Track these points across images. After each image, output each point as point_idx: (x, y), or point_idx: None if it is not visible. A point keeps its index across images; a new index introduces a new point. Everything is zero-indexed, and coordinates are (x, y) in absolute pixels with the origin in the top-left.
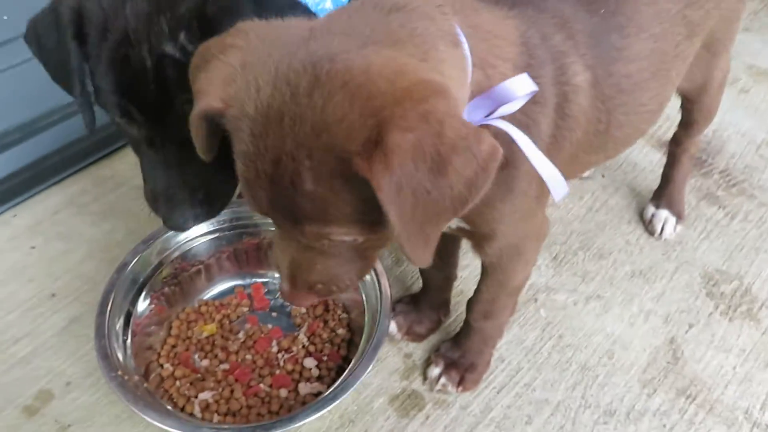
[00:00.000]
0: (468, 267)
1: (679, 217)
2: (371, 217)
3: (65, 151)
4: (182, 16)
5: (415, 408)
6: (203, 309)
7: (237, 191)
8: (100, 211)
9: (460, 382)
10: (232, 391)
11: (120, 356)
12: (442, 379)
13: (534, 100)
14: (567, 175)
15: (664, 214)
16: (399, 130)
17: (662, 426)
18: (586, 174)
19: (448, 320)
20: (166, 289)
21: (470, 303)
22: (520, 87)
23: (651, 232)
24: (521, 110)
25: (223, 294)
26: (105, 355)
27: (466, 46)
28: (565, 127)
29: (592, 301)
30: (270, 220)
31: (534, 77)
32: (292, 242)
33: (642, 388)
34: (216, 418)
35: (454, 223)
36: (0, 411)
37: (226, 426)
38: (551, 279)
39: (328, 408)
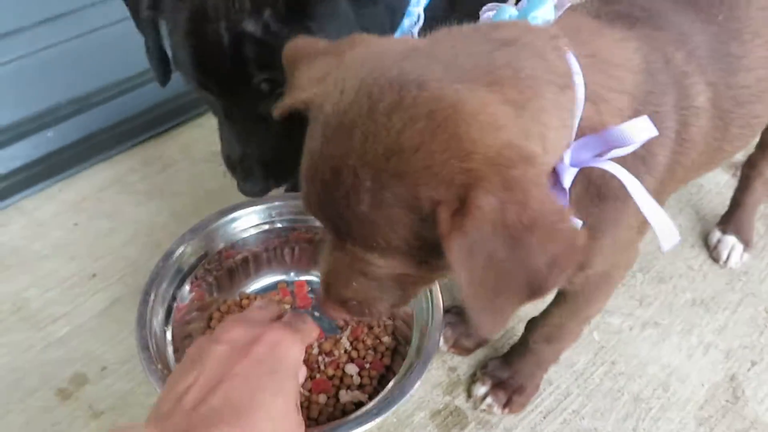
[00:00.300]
0: None
1: (746, 245)
2: (421, 256)
3: (116, 128)
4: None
5: (457, 426)
6: (244, 303)
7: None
8: (145, 191)
9: (507, 404)
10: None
11: (160, 347)
12: (488, 399)
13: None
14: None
15: (731, 240)
16: (485, 191)
17: None
18: None
19: (498, 334)
20: (209, 278)
21: (533, 323)
22: (639, 132)
23: (716, 259)
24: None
25: (266, 289)
26: (146, 346)
27: (579, 82)
28: (682, 152)
29: (648, 328)
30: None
31: (655, 107)
32: (336, 253)
33: (698, 425)
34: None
35: None
36: (34, 391)
37: None
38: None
39: (375, 422)
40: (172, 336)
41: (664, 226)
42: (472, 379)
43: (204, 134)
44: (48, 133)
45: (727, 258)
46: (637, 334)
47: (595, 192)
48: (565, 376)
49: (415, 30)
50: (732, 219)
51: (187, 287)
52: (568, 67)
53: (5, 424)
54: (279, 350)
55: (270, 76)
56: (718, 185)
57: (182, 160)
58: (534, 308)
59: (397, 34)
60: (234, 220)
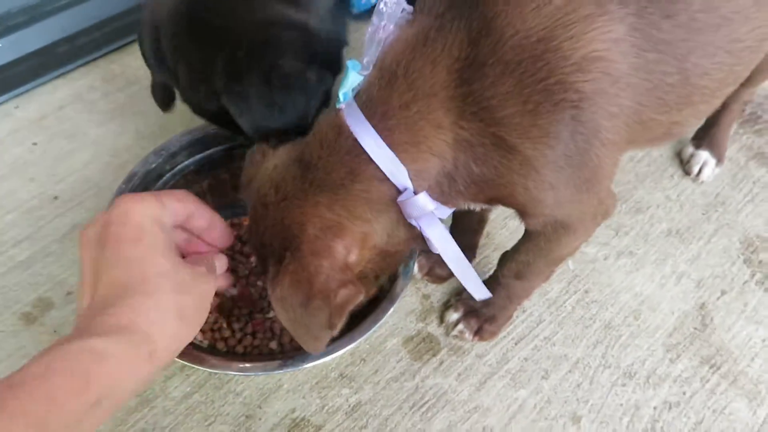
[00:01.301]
0: (496, 209)
1: (719, 160)
2: None
3: (74, 40)
4: (216, 86)
5: (429, 352)
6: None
7: None
8: (108, 110)
9: (478, 332)
10: (240, 321)
11: None
12: (460, 326)
13: (497, 120)
14: (645, 143)
15: (704, 155)
16: (287, 270)
17: (682, 393)
18: None
19: (474, 261)
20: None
21: (503, 258)
22: (418, 208)
23: (687, 173)
24: (471, 150)
25: (237, 214)
26: None
27: (380, 160)
28: (587, 108)
29: (623, 257)
30: None
31: (485, 101)
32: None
33: (665, 352)
34: (223, 347)
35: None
36: None
37: (257, 362)
38: None
39: (348, 348)
40: None
41: (472, 285)
42: (446, 306)
43: None
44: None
45: (699, 172)
46: (612, 264)
47: (490, 141)
48: (538, 304)
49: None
50: (706, 135)
51: None
52: (358, 157)
53: None
54: (132, 217)
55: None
56: None
57: (146, 77)
58: (510, 236)
59: (346, 87)
60: (199, 141)
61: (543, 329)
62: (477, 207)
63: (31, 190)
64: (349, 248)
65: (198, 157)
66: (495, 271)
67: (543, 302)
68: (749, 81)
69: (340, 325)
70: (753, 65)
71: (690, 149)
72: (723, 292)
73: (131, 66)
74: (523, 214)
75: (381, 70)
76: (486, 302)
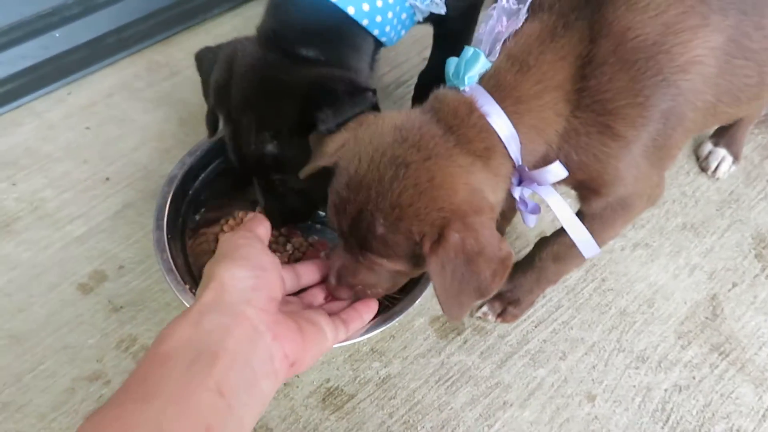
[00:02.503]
0: None
1: (735, 158)
2: (413, 263)
3: (122, 31)
4: (281, 130)
5: (453, 331)
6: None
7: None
8: (153, 98)
9: (501, 314)
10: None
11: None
12: (484, 308)
13: (610, 111)
14: (712, 125)
15: (721, 152)
16: (452, 231)
17: (691, 378)
18: None
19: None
20: (225, 192)
21: (542, 242)
22: (552, 175)
23: (704, 169)
24: (584, 127)
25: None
26: (170, 269)
27: (507, 134)
28: (679, 103)
29: (639, 249)
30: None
31: (600, 94)
32: (348, 255)
33: (677, 339)
34: None
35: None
36: (56, 286)
37: None
38: None
39: (395, 321)
40: (187, 246)
41: (584, 240)
42: None
43: (211, 41)
44: (55, 34)
45: (716, 168)
46: (628, 254)
47: (597, 130)
48: (557, 290)
49: None
50: (725, 133)
51: (199, 206)
52: (489, 134)
53: (29, 315)
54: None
55: (281, 176)
56: None
57: (189, 67)
58: (534, 229)
59: None
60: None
61: (561, 314)
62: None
63: (84, 171)
64: (490, 215)
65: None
66: (528, 255)
67: (562, 289)
68: None
69: (502, 281)
70: None
71: (708, 146)
72: (734, 285)
73: (174, 57)
74: (596, 194)
75: (510, 58)
76: (513, 285)
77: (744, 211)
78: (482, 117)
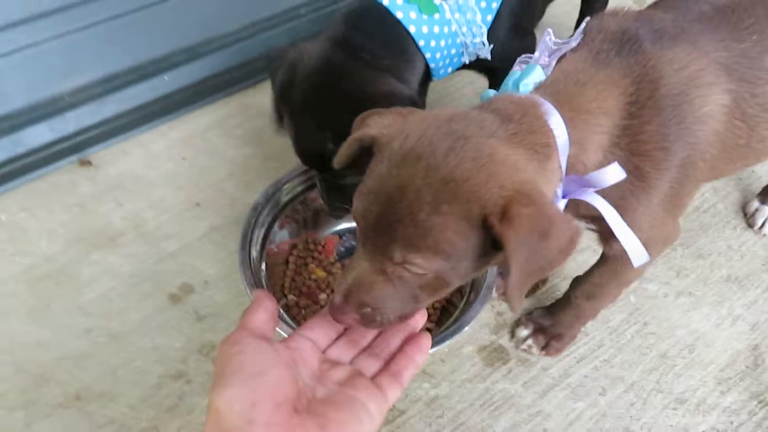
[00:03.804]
0: None
1: None
2: (454, 262)
3: (220, 76)
4: (343, 132)
5: (499, 360)
6: (311, 246)
7: None
8: (242, 136)
9: (545, 347)
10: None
11: (255, 270)
12: (529, 341)
13: (636, 152)
14: (707, 180)
15: None
16: (520, 205)
17: (729, 422)
18: None
19: (544, 288)
20: (299, 217)
21: (576, 281)
22: (609, 177)
23: (751, 225)
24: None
25: (342, 232)
26: (252, 284)
27: (562, 137)
28: (695, 152)
29: (682, 297)
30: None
31: (637, 135)
32: (366, 263)
33: (716, 384)
34: None
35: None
36: (150, 294)
37: None
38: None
39: (449, 342)
40: (267, 272)
41: (633, 247)
42: (516, 323)
43: None
44: (164, 77)
45: (763, 225)
46: (671, 301)
47: (627, 169)
48: (600, 330)
49: None
50: None
51: (280, 228)
52: (548, 133)
53: (126, 318)
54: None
55: (342, 172)
56: None
57: None
58: (578, 268)
59: None
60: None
61: (603, 352)
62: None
63: (179, 196)
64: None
65: (303, 187)
66: (565, 293)
67: (605, 329)
68: None
69: (568, 259)
70: None
71: (755, 204)
72: None
73: (262, 101)
74: (614, 236)
75: (565, 73)
76: (553, 321)
77: None
78: (543, 116)
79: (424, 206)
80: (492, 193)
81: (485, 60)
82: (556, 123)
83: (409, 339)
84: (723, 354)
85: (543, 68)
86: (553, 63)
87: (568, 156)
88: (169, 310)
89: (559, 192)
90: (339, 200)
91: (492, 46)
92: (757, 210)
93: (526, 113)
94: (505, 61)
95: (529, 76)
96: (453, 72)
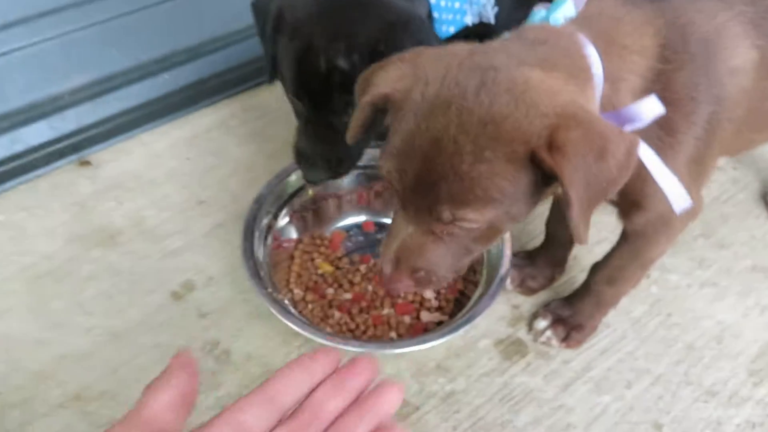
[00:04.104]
0: None
1: None
2: (507, 206)
3: (222, 76)
4: (359, 44)
5: (517, 354)
6: (318, 242)
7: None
8: (245, 134)
9: (565, 339)
10: (360, 316)
11: (257, 261)
12: (548, 332)
13: (668, 101)
14: (731, 152)
15: None
16: (567, 129)
17: (765, 415)
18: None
19: (560, 280)
20: (304, 214)
21: (596, 266)
22: (647, 110)
23: None
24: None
25: (349, 227)
26: (255, 274)
27: (597, 69)
28: (721, 109)
29: (706, 288)
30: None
31: (669, 82)
32: (411, 226)
33: (748, 376)
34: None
35: None
36: (152, 292)
37: (371, 343)
38: (667, 259)
39: (461, 331)
40: (271, 262)
41: (676, 191)
42: (534, 315)
43: None
44: (165, 76)
45: None
46: (695, 292)
47: (660, 126)
48: (622, 321)
49: None
50: None
51: (285, 219)
52: (585, 59)
53: (127, 316)
54: None
55: (347, 99)
56: None
57: (278, 109)
58: (596, 260)
59: None
60: None
61: (626, 344)
62: None
63: (183, 194)
64: None
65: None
66: (584, 281)
67: (627, 320)
68: None
69: (629, 173)
70: None
71: None
72: None
73: (266, 100)
74: (637, 208)
75: (599, 9)
76: (573, 311)
77: None
78: (577, 42)
79: (466, 157)
80: (534, 124)
81: (488, 26)
82: (592, 53)
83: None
84: (753, 345)
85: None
86: (581, 3)
87: (601, 95)
88: (171, 308)
89: (630, 112)
90: (323, 154)
91: (497, 9)
92: None
93: (560, 38)
94: (506, 29)
95: (559, 9)
96: (455, 33)
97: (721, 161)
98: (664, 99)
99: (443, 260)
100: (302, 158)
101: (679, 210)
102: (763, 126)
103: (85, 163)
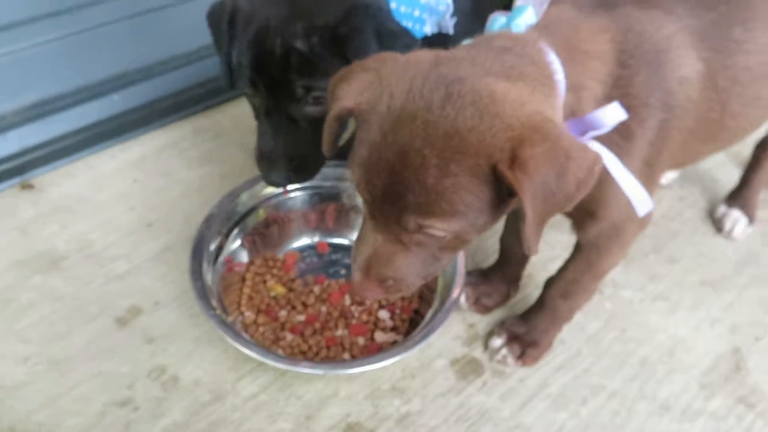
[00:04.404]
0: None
1: (751, 219)
2: (472, 219)
3: (174, 97)
4: (317, 26)
5: (473, 373)
6: (270, 263)
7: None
8: (197, 157)
9: (521, 356)
10: (314, 337)
11: (206, 284)
12: (504, 350)
13: (630, 107)
14: (679, 163)
15: (736, 214)
16: (531, 146)
17: (717, 428)
18: (664, 182)
19: (515, 298)
20: (256, 236)
21: (550, 281)
22: (610, 117)
23: (719, 230)
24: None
25: (303, 248)
26: (203, 295)
27: (560, 76)
28: (671, 117)
29: (658, 302)
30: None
31: (625, 89)
32: (380, 235)
33: (700, 389)
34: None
35: None
36: (95, 317)
37: (323, 363)
38: (619, 275)
39: (413, 351)
40: (221, 285)
41: (638, 195)
42: (490, 334)
43: None
44: (114, 97)
45: (732, 229)
46: (648, 306)
47: (617, 131)
48: (577, 338)
49: None
50: (739, 195)
51: (236, 241)
52: (549, 66)
53: (68, 343)
54: None
55: (306, 83)
56: (731, 181)
57: (232, 130)
58: (552, 271)
59: None
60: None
61: (582, 361)
62: None
63: (130, 217)
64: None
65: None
66: (539, 296)
67: (582, 336)
68: None
69: (587, 190)
70: None
71: (723, 208)
72: (757, 339)
73: (219, 122)
74: (591, 217)
75: (557, 17)
76: (528, 327)
77: (763, 269)
78: (541, 50)
79: (431, 170)
80: (498, 138)
81: (446, 37)
82: (555, 60)
83: None
84: (704, 358)
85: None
86: (540, 11)
87: (564, 102)
88: (116, 334)
89: (595, 120)
90: (284, 151)
91: (456, 20)
92: (724, 214)
93: (525, 46)
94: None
95: (520, 16)
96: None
97: (670, 179)
98: (623, 105)
99: (411, 269)
100: (263, 159)
101: (642, 213)
102: (709, 137)
103: (28, 186)
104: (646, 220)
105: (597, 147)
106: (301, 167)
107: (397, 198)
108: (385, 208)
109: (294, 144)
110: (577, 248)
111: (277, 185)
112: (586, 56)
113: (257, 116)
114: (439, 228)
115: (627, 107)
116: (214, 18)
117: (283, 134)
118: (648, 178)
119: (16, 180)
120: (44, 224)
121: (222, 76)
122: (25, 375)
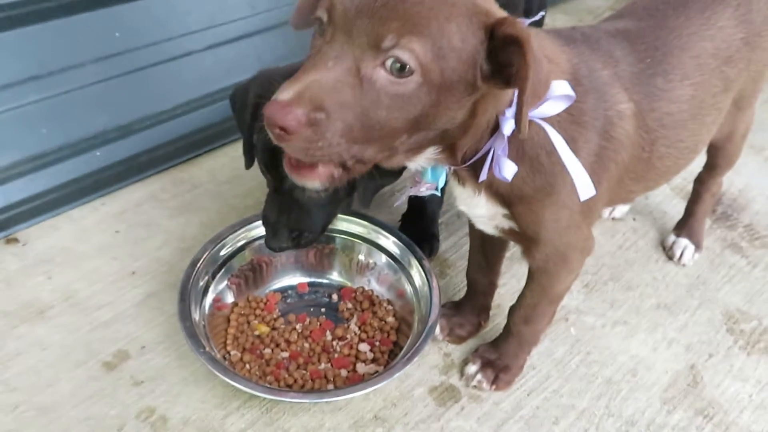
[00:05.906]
0: (505, 285)
1: (697, 246)
2: (444, 63)
3: (152, 152)
4: None
5: (451, 399)
6: (253, 305)
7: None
8: (176, 207)
9: (494, 381)
10: (298, 371)
11: (195, 323)
12: (478, 376)
13: (574, 121)
14: (612, 200)
15: (684, 242)
16: (528, 34)
17: None
18: (618, 215)
19: (487, 327)
20: (240, 277)
21: (512, 309)
22: (559, 90)
23: (670, 257)
24: (562, 128)
25: (284, 289)
26: (192, 334)
27: None
28: (610, 147)
29: (618, 326)
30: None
31: (578, 102)
32: (331, 61)
33: (662, 404)
34: None
35: (506, 223)
36: (82, 363)
37: (310, 393)
38: (582, 303)
39: (395, 376)
40: (209, 324)
41: (581, 177)
42: (465, 362)
43: (228, 161)
44: (96, 153)
45: (681, 256)
46: (609, 331)
47: (529, 165)
48: (546, 363)
49: None
50: (685, 225)
51: (223, 281)
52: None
53: (56, 390)
54: None
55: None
56: (679, 213)
57: (208, 182)
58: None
59: None
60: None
61: (551, 383)
62: (505, 225)
63: (113, 266)
64: None
65: (243, 243)
66: (506, 324)
67: (550, 361)
68: (713, 172)
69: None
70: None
71: (672, 237)
72: (710, 355)
73: (195, 174)
74: (535, 243)
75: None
76: (499, 353)
77: (712, 292)
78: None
79: None
80: (498, 12)
81: None
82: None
83: None
84: (664, 375)
85: None
86: None
87: None
88: (104, 378)
89: (508, 112)
90: (285, 223)
91: None
92: (674, 243)
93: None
94: None
95: None
96: None
97: (623, 212)
98: (570, 116)
99: (349, 110)
100: (267, 225)
101: (583, 198)
102: (640, 176)
103: (12, 240)
104: (589, 245)
105: (548, 128)
106: (299, 238)
107: (384, 7)
108: (360, 22)
109: (295, 221)
110: (530, 275)
111: (275, 251)
112: (548, 60)
113: (268, 186)
114: (415, 50)
115: (575, 120)
116: (237, 103)
117: (286, 209)
118: (587, 208)
119: (1, 235)
120: (29, 276)
121: (245, 157)
122: (13, 422)
